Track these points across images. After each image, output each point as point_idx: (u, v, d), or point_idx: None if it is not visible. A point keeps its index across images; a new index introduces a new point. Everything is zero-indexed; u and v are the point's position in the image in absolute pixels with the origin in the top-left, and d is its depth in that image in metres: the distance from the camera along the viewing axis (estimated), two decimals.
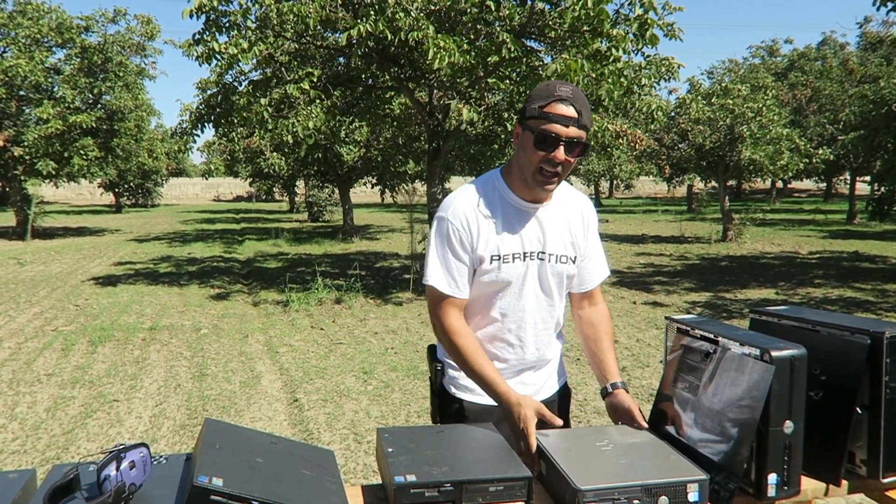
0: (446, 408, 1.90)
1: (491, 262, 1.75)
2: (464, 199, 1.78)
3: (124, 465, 1.24)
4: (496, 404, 1.73)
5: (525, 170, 1.70)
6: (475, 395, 1.83)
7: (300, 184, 28.37)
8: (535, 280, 1.81)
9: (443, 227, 1.77)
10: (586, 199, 1.92)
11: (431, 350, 1.99)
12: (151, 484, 1.30)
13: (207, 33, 7.97)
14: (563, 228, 1.83)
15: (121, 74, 17.24)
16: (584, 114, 1.64)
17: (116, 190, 33.68)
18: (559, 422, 1.60)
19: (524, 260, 1.78)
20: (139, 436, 4.30)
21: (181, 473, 1.37)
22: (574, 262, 1.86)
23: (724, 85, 15.84)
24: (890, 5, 9.57)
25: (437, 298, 1.79)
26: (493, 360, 1.81)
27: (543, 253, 1.80)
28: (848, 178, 25.03)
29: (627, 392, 1.77)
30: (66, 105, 16.08)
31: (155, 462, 1.40)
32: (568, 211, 1.85)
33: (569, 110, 1.62)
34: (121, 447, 1.28)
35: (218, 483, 1.18)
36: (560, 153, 1.64)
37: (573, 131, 1.63)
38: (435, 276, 1.76)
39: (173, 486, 1.31)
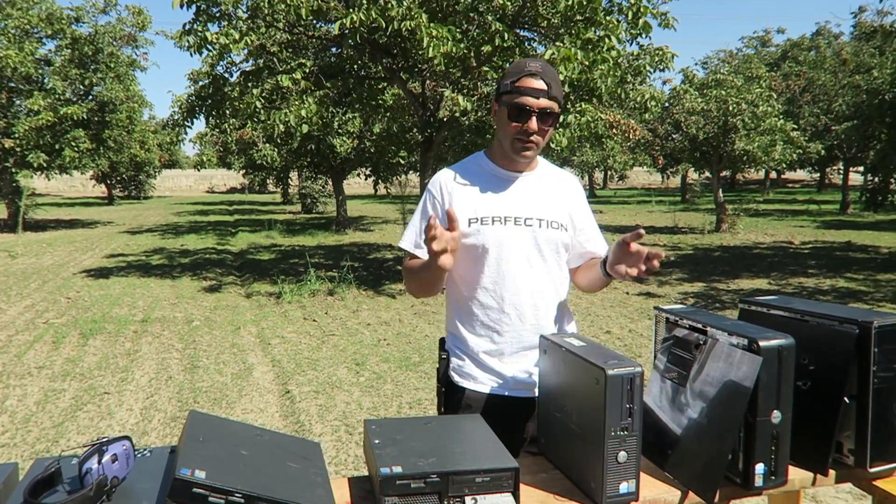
0: (450, 398, 1.89)
1: (469, 226, 1.79)
2: (445, 171, 1.90)
3: (106, 458, 1.23)
4: (499, 392, 1.80)
5: (504, 142, 1.80)
6: (477, 384, 1.84)
7: (293, 175, 28.26)
8: (525, 246, 1.80)
9: (423, 197, 1.90)
10: (573, 175, 1.98)
11: (441, 342, 1.98)
12: (135, 477, 1.29)
13: (198, 23, 7.91)
14: (553, 196, 1.87)
15: (112, 65, 17.11)
16: (553, 86, 1.74)
17: (108, 182, 33.50)
18: (453, 213, 1.57)
19: (504, 224, 1.79)
20: (130, 428, 4.28)
21: (165, 466, 1.36)
22: (567, 230, 1.86)
23: (717, 76, 15.83)
24: None
25: (406, 259, 1.90)
26: (491, 333, 1.82)
27: (531, 219, 1.81)
28: (841, 168, 25.10)
29: None
30: (57, 96, 15.96)
31: (138, 455, 1.38)
32: (556, 183, 1.91)
33: (538, 83, 1.72)
34: (103, 440, 1.27)
35: (200, 475, 1.17)
36: (533, 123, 1.73)
37: (544, 102, 1.73)
38: (405, 238, 1.88)
39: (157, 479, 1.30)
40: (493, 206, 1.81)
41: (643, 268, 1.67)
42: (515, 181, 1.85)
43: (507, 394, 1.82)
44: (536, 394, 1.71)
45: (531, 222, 1.81)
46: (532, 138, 1.76)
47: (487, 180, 1.85)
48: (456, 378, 1.87)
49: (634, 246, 1.69)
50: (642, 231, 1.68)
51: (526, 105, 1.72)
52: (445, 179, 1.86)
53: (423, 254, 1.78)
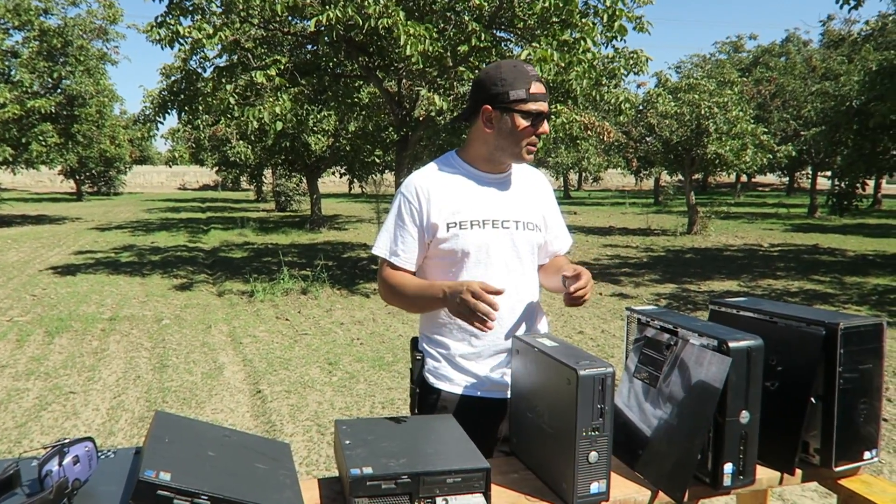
0: (424, 399, 1.86)
1: (448, 230, 1.77)
2: (419, 174, 1.85)
3: (67, 459, 1.20)
4: (473, 393, 1.80)
5: (507, 149, 1.78)
6: (453, 385, 1.82)
7: (267, 173, 28.01)
8: (504, 249, 1.80)
9: (396, 201, 1.85)
10: (540, 173, 2.00)
11: (413, 341, 1.96)
12: (97, 479, 1.26)
13: (171, 16, 7.79)
14: (527, 197, 1.89)
15: (82, 59, 16.77)
16: (546, 87, 1.81)
17: (77, 177, 32.82)
18: (499, 290, 1.61)
19: (483, 227, 1.78)
20: (96, 429, 4.20)
21: (129, 468, 1.33)
22: (541, 230, 1.89)
23: (690, 80, 16.03)
24: (852, 3, 9.77)
25: (381, 266, 1.87)
26: (469, 337, 1.81)
27: (509, 221, 1.81)
28: (810, 172, 25.60)
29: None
30: (24, 89, 15.58)
31: (102, 456, 1.35)
32: (528, 183, 1.93)
33: (542, 87, 1.77)
34: (65, 441, 1.24)
35: (165, 477, 1.15)
36: (545, 126, 1.79)
37: (547, 104, 1.78)
38: (379, 244, 1.85)
39: (120, 482, 1.27)
40: (472, 209, 1.79)
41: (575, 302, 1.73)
42: (492, 183, 1.84)
43: (481, 395, 1.82)
44: (509, 394, 1.72)
45: (508, 224, 1.81)
46: (539, 141, 1.82)
47: (464, 183, 1.82)
48: (431, 379, 1.85)
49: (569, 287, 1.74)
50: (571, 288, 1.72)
51: (540, 111, 1.75)
52: (421, 184, 1.80)
53: (401, 262, 1.82)
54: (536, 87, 1.74)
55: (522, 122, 1.74)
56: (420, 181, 1.81)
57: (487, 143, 1.79)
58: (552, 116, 7.95)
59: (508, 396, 1.74)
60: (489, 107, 1.75)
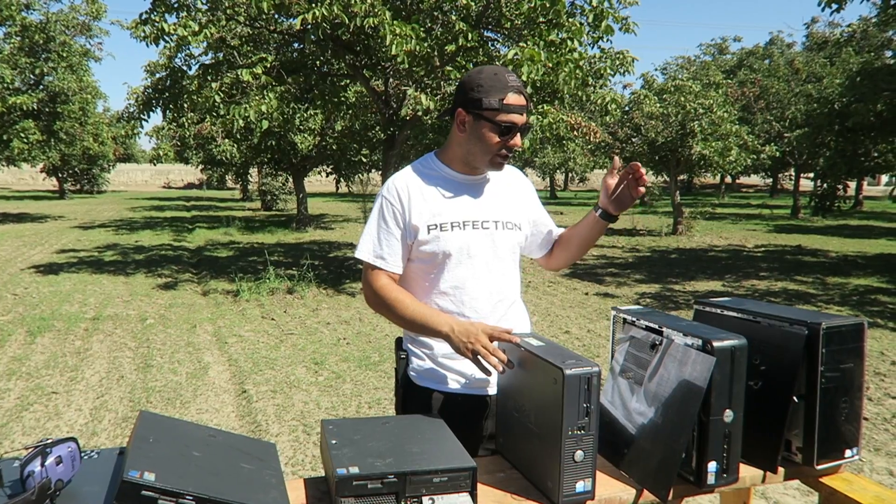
0: (410, 398, 1.86)
1: (429, 232, 1.77)
2: (399, 176, 1.84)
3: (50, 460, 1.19)
4: (458, 391, 1.80)
5: (477, 156, 1.76)
6: (437, 384, 1.82)
7: (253, 172, 27.85)
8: (485, 249, 1.81)
9: (377, 203, 1.83)
10: (518, 171, 2.00)
11: (398, 341, 1.96)
12: (80, 480, 1.25)
13: (156, 13, 7.72)
14: (507, 197, 1.89)
15: (64, 55, 16.59)
16: (528, 99, 1.76)
17: (60, 175, 32.44)
18: (515, 339, 1.57)
19: (463, 228, 1.79)
20: (78, 429, 4.16)
21: (113, 468, 1.31)
22: (521, 229, 1.90)
23: (676, 81, 16.14)
24: (835, 6, 9.89)
25: (366, 270, 1.83)
26: None
27: (488, 221, 1.82)
28: (793, 174, 25.85)
29: None
30: (6, 85, 15.39)
31: (85, 457, 1.34)
32: (508, 183, 1.92)
33: (521, 99, 1.72)
34: (47, 442, 1.22)
35: (150, 478, 1.14)
36: (518, 139, 1.74)
37: (524, 118, 1.74)
38: (363, 248, 1.82)
39: (104, 482, 1.26)
40: (452, 211, 1.79)
41: (640, 189, 1.74)
42: (470, 184, 1.84)
43: (466, 392, 1.82)
44: (493, 391, 1.76)
45: (488, 225, 1.82)
46: (512, 152, 1.76)
47: (444, 185, 1.82)
48: (415, 378, 1.85)
49: (615, 177, 1.77)
50: (618, 162, 1.75)
51: (513, 123, 1.71)
52: (402, 186, 1.80)
53: (387, 266, 1.80)
54: (513, 99, 1.70)
55: (491, 133, 1.72)
56: (400, 183, 1.81)
57: (461, 146, 1.79)
58: (539, 116, 7.97)
59: (491, 393, 1.78)
60: (462, 110, 1.75)
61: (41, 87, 16.81)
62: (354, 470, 1.30)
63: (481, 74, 1.72)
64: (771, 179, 38.93)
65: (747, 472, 1.51)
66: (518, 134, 1.73)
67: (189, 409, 4.54)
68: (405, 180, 1.81)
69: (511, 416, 1.58)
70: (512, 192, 1.92)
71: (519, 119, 1.71)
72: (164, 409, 4.53)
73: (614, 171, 1.79)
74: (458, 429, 1.55)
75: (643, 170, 1.73)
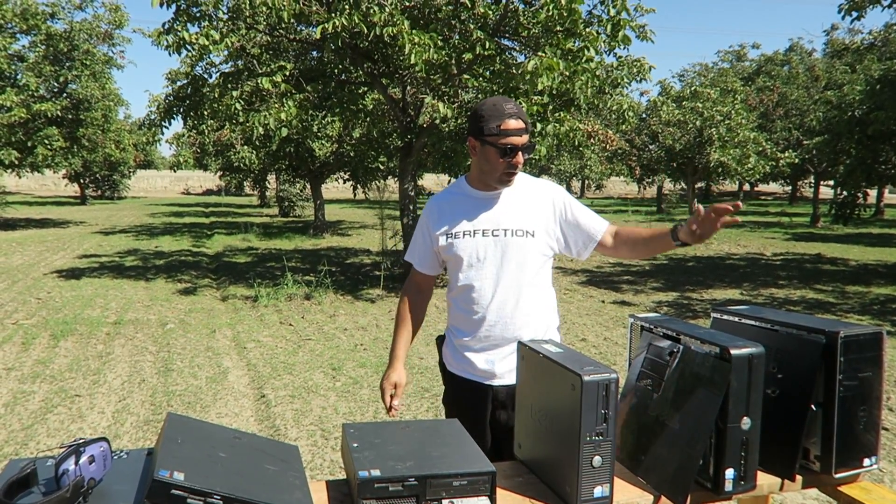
0: (445, 383, 2.23)
1: (446, 240, 2.09)
2: (434, 197, 2.22)
3: (83, 459, 1.23)
4: (477, 379, 2.09)
5: (489, 174, 2.03)
6: (454, 368, 2.15)
7: (271, 178, 28.05)
8: (495, 254, 2.04)
9: (420, 219, 2.21)
10: (549, 183, 2.17)
11: (440, 338, 2.28)
12: (111, 479, 1.29)
13: (178, 22, 7.84)
14: (523, 208, 2.08)
15: (87, 63, 16.85)
16: (526, 122, 1.99)
17: (82, 181, 32.91)
18: (395, 407, 2.17)
19: (474, 236, 2.05)
20: (101, 431, 4.22)
21: (142, 468, 1.35)
22: (535, 236, 2.05)
23: (693, 88, 16.08)
24: (855, 13, 9.82)
25: (407, 269, 2.29)
26: (469, 330, 2.09)
27: (498, 230, 2.05)
28: (812, 181, 25.59)
29: None
30: (31, 93, 15.67)
31: (115, 457, 1.38)
32: (529, 195, 2.10)
33: (519, 123, 1.96)
34: (80, 441, 1.27)
35: (179, 477, 1.18)
36: (519, 158, 1.99)
37: (524, 139, 1.98)
38: (409, 253, 2.25)
39: (133, 481, 1.30)
40: (465, 223, 2.07)
41: (718, 225, 1.77)
42: (486, 199, 2.08)
43: (474, 380, 2.10)
44: (504, 383, 2.05)
45: (498, 232, 2.05)
46: (516, 169, 2.01)
47: (464, 202, 2.11)
48: (444, 361, 2.21)
49: (704, 213, 1.79)
50: (740, 204, 1.77)
51: (512, 144, 1.95)
52: (433, 205, 2.16)
53: (421, 268, 2.20)
54: (511, 124, 1.94)
55: (495, 155, 1.97)
56: (433, 202, 2.18)
57: (476, 167, 2.08)
58: (556, 124, 7.98)
59: (505, 385, 2.05)
60: (472, 138, 2.02)
61: (65, 94, 17.08)
62: (376, 472, 1.33)
63: (483, 106, 1.99)
64: (790, 187, 38.55)
65: (765, 480, 1.51)
66: (519, 153, 1.97)
67: (209, 412, 4.59)
68: (437, 200, 2.18)
69: (529, 422, 1.60)
70: (531, 203, 2.09)
71: (518, 140, 1.95)
72: (184, 412, 4.58)
73: (699, 216, 1.79)
74: (474, 412, 2.06)
75: (735, 212, 1.74)
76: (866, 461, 1.56)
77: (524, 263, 2.05)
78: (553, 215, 2.09)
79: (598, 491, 1.38)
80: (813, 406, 1.51)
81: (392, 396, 2.16)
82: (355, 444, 1.46)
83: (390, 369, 2.18)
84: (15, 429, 4.25)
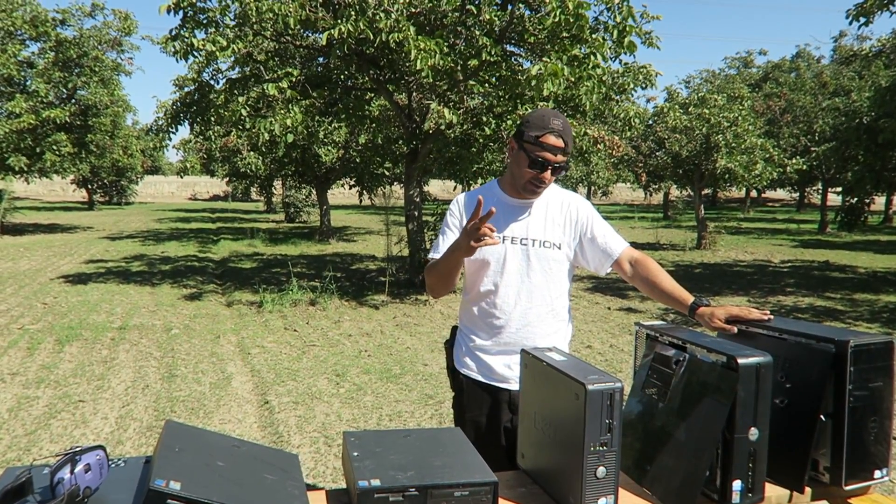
0: (456, 387, 2.20)
1: None
2: (462, 195, 2.22)
3: (79, 468, 1.21)
4: (493, 383, 2.09)
5: (517, 179, 2.05)
6: (471, 372, 2.13)
7: (277, 184, 28.14)
8: (519, 261, 2.06)
9: (446, 215, 2.20)
10: (578, 197, 2.18)
11: (453, 330, 2.27)
12: (108, 487, 1.27)
13: (185, 29, 7.88)
14: (551, 220, 2.10)
15: (96, 69, 16.97)
16: (568, 143, 1.99)
17: (89, 186, 33.10)
18: (495, 240, 1.85)
19: (502, 242, 2.06)
20: (104, 437, 4.21)
21: (139, 477, 1.33)
22: (561, 248, 2.09)
23: (700, 94, 16.03)
24: (863, 19, 9.78)
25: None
26: (485, 333, 2.10)
27: (526, 239, 2.07)
28: (820, 188, 25.48)
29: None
30: (40, 99, 15.78)
31: (112, 465, 1.36)
32: (558, 208, 2.12)
33: (559, 142, 1.96)
34: (76, 449, 1.25)
35: (175, 486, 1.16)
36: (548, 175, 2.00)
37: (560, 158, 1.98)
38: (434, 250, 2.17)
39: (130, 490, 1.28)
40: (496, 227, 1.97)
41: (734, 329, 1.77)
42: (518, 206, 2.10)
43: (491, 383, 2.10)
44: (512, 387, 2.05)
45: (526, 242, 2.07)
46: (543, 184, 2.02)
47: (495, 206, 1.96)
48: (456, 364, 2.19)
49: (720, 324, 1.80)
50: (770, 316, 1.73)
51: (544, 159, 1.96)
52: (461, 201, 2.16)
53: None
54: (550, 139, 1.94)
55: (525, 162, 1.99)
56: (461, 199, 2.18)
57: (509, 171, 2.10)
58: None
59: (506, 387, 2.07)
60: (512, 139, 2.05)
61: (73, 100, 17.19)
62: (376, 482, 1.31)
63: (534, 113, 2.00)
64: (798, 194, 38.41)
65: (773, 492, 1.49)
66: (549, 171, 1.97)
67: (212, 419, 4.58)
68: (465, 198, 2.17)
69: (533, 431, 1.58)
70: (559, 216, 2.11)
71: (551, 157, 1.95)
72: (187, 418, 4.57)
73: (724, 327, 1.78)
74: (483, 413, 2.07)
75: (764, 316, 1.71)
76: (877, 473, 1.53)
77: (549, 274, 2.08)
78: (575, 230, 2.12)
79: (603, 502, 1.36)
80: (822, 416, 1.48)
81: (477, 230, 1.80)
82: (356, 453, 1.44)
83: (456, 240, 1.93)
84: (18, 434, 4.25)
